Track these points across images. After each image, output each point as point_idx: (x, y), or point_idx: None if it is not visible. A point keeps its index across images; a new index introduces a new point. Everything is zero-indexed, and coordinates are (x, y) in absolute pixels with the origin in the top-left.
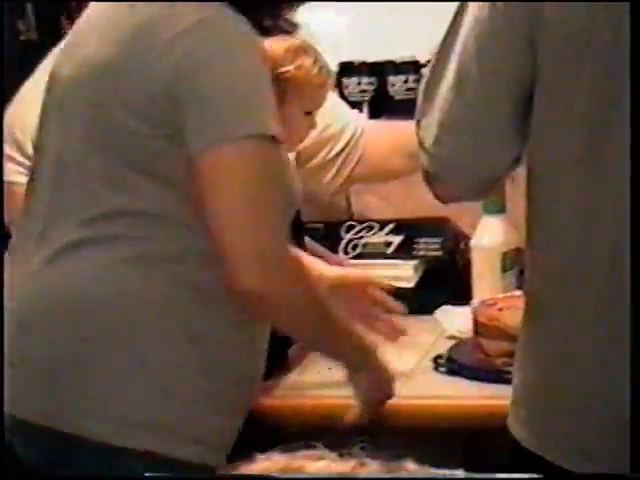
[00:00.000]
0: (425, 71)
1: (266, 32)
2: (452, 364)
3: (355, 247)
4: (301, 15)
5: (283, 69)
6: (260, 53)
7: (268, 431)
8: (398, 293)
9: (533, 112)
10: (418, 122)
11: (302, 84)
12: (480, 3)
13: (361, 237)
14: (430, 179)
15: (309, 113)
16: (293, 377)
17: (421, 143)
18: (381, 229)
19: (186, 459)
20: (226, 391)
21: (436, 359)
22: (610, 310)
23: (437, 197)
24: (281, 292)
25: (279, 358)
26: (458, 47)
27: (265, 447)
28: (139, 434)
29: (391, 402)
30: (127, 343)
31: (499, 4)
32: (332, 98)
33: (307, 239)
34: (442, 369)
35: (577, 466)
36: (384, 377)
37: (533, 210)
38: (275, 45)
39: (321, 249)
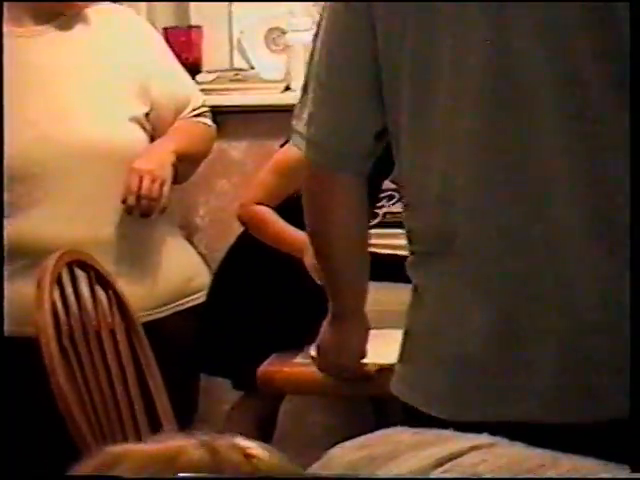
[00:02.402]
0: None
1: None
2: None
3: (375, 216)
4: None
5: None
6: None
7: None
8: None
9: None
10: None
11: None
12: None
13: (381, 206)
14: (309, 164)
15: None
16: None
17: (300, 132)
18: (401, 198)
19: None
20: None
21: None
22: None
23: (317, 182)
24: None
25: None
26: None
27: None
28: None
29: None
30: None
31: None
32: None
33: None
34: None
35: (434, 411)
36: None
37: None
38: None
39: None
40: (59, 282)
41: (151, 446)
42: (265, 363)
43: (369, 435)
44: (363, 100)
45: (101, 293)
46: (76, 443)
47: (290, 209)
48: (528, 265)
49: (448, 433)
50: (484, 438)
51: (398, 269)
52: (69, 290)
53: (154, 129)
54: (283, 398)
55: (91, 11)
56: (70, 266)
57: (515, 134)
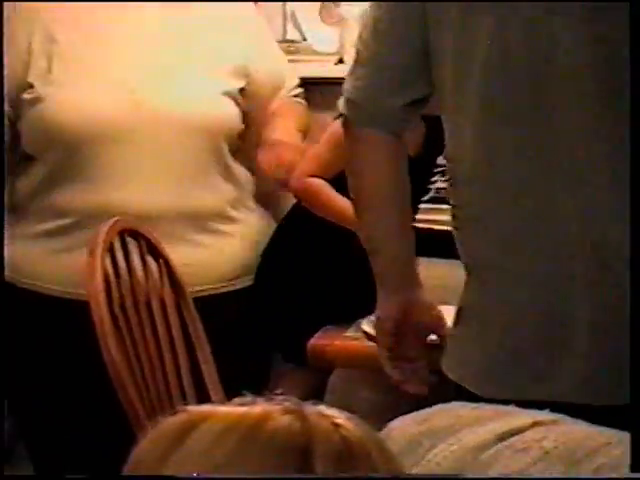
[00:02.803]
0: None
1: None
2: None
3: (428, 191)
4: None
5: None
6: None
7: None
8: None
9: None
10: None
11: None
12: None
13: (435, 181)
14: (344, 121)
15: None
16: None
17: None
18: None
19: None
20: None
21: None
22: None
23: (350, 139)
24: None
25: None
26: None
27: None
28: None
29: None
30: None
31: None
32: None
33: None
34: None
35: (472, 387)
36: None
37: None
38: None
39: None
40: (111, 250)
41: (234, 408)
42: (316, 336)
43: (428, 409)
44: (402, 63)
45: (152, 263)
46: (124, 409)
47: (344, 181)
48: (563, 247)
49: (508, 408)
50: (546, 414)
51: (451, 244)
52: (120, 258)
53: (248, 105)
54: (331, 372)
55: None
56: (122, 235)
57: (553, 114)
